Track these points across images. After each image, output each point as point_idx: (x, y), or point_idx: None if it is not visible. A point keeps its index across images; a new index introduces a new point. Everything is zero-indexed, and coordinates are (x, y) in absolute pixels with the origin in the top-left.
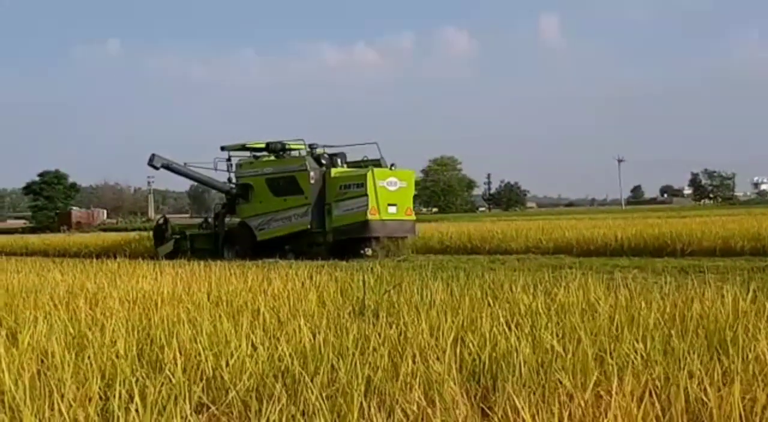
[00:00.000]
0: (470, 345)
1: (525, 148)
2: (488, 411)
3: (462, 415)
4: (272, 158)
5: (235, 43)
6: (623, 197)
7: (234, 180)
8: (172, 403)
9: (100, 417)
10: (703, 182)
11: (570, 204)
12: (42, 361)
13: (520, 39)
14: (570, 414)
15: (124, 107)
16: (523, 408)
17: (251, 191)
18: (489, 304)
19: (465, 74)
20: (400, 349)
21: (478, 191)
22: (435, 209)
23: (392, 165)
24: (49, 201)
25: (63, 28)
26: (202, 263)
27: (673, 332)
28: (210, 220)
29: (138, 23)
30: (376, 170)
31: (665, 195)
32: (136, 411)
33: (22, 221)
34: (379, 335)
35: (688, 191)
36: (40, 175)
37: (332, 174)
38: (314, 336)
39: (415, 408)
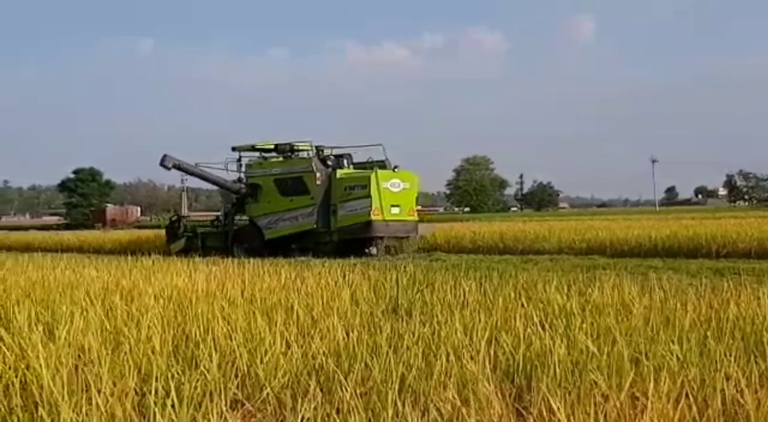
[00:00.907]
0: (504, 344)
1: (558, 148)
2: (523, 411)
3: (496, 415)
4: (280, 158)
5: (264, 43)
6: (657, 197)
7: (244, 180)
8: (208, 399)
9: (137, 412)
10: (738, 183)
11: (603, 205)
12: (79, 356)
13: (552, 37)
14: (605, 415)
15: (158, 105)
16: (558, 408)
17: (260, 190)
18: (522, 304)
19: (497, 73)
20: (433, 348)
21: (510, 191)
22: (467, 209)
23: (395, 167)
24: (84, 198)
25: (97, 26)
26: (236, 261)
27: (708, 333)
28: (221, 218)
29: (169, 22)
30: (379, 171)
31: (700, 196)
32: (172, 406)
33: (57, 217)
34: (413, 333)
35: (723, 192)
36: (75, 172)
37: (337, 175)
38: (348, 334)
39: (449, 407)
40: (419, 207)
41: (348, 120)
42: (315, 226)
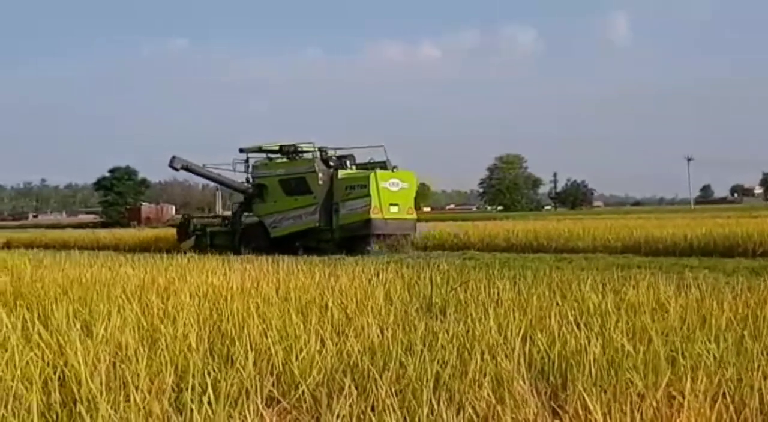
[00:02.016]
0: (539, 343)
1: (592, 146)
2: (558, 409)
3: (532, 413)
4: (285, 160)
5: (300, 42)
6: (692, 196)
7: (251, 180)
8: (244, 396)
9: (174, 409)
10: None
11: (637, 203)
12: (116, 353)
13: (586, 35)
14: (641, 414)
15: (193, 103)
16: (594, 407)
17: (266, 190)
18: (557, 303)
19: (531, 72)
20: (468, 346)
21: (543, 190)
22: (500, 207)
23: (394, 167)
24: (120, 197)
25: (134, 25)
26: (270, 259)
27: (745, 333)
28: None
29: (203, 21)
30: (378, 172)
31: (735, 195)
32: (209, 403)
33: (93, 216)
34: (447, 332)
35: (759, 190)
36: (111, 171)
37: (339, 175)
38: (382, 333)
39: (484, 405)
40: (452, 205)
41: (378, 119)
42: (317, 224)
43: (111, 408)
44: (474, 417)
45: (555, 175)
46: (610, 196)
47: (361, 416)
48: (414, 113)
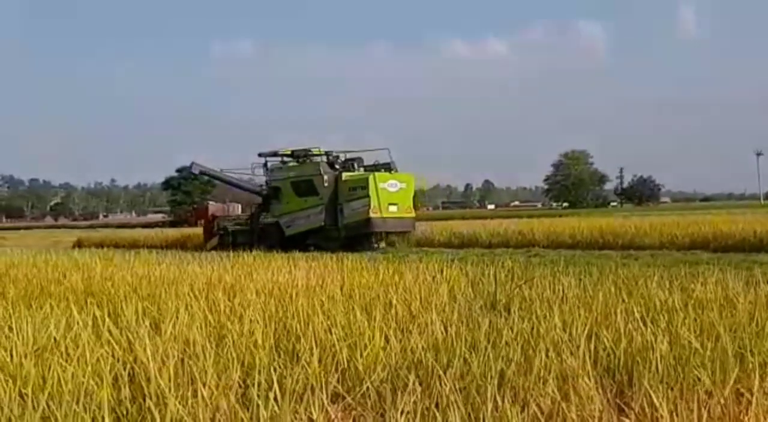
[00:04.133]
0: (604, 340)
1: (659, 141)
2: (624, 407)
3: (597, 410)
4: (296, 163)
5: (365, 37)
6: (762, 191)
7: (268, 183)
8: (309, 392)
9: (241, 405)
10: None
11: (706, 199)
12: (184, 350)
13: (655, 31)
14: (709, 411)
15: (257, 103)
16: (660, 404)
17: (280, 192)
18: (623, 299)
19: (598, 66)
20: (532, 343)
21: (609, 186)
22: (566, 204)
23: (392, 169)
24: (187, 196)
25: (203, 27)
26: (335, 257)
27: None
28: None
29: (270, 22)
30: (377, 174)
31: None
32: (275, 399)
33: (162, 215)
34: (512, 329)
35: None
36: (179, 170)
37: (343, 178)
38: (446, 330)
39: (549, 402)
40: (517, 202)
41: (444, 116)
42: (323, 224)
43: (179, 403)
44: (538, 414)
45: (621, 171)
46: (678, 192)
47: (425, 412)
48: (477, 109)
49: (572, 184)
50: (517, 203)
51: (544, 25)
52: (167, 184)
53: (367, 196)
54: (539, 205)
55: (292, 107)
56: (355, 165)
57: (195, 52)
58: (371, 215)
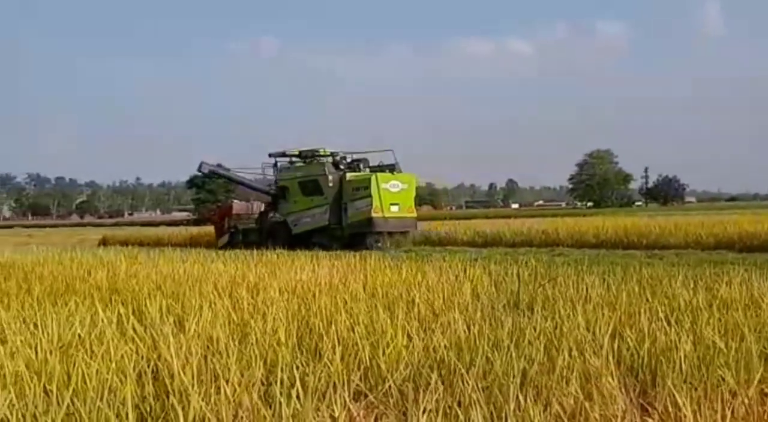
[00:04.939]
0: (628, 339)
1: (685, 141)
2: (647, 406)
3: (620, 410)
4: (303, 163)
5: (386, 40)
6: None
7: (276, 182)
8: (331, 390)
9: (263, 402)
10: None
11: (732, 199)
12: (207, 347)
13: (678, 27)
14: (733, 411)
15: (280, 103)
16: (684, 404)
17: (288, 192)
18: (647, 299)
19: (620, 65)
20: (555, 343)
21: (634, 185)
22: (590, 203)
23: (394, 170)
24: (211, 194)
25: (222, 26)
26: (358, 255)
27: None
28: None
29: (291, 22)
30: (380, 174)
31: None
32: (297, 396)
33: (186, 213)
34: (535, 328)
35: None
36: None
37: (347, 178)
38: (469, 328)
39: (571, 401)
40: (541, 202)
41: (466, 116)
42: (328, 223)
43: (202, 400)
44: (561, 413)
45: (646, 170)
46: (703, 192)
47: (448, 411)
48: (497, 108)
49: (597, 183)
50: (541, 202)
51: (565, 24)
52: (191, 182)
53: (370, 196)
54: (563, 204)
55: (314, 106)
56: (361, 166)
57: (218, 52)
58: (373, 214)
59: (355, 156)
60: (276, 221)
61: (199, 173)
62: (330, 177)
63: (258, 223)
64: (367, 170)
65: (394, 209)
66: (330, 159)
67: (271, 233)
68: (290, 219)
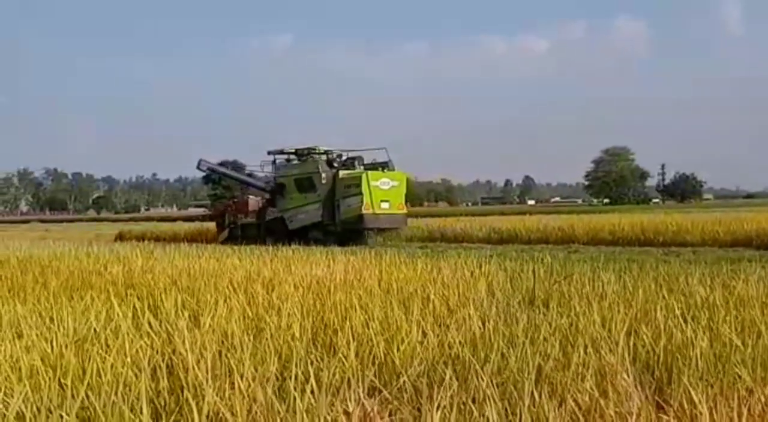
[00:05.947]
0: (644, 337)
1: (702, 138)
2: (663, 403)
3: (636, 407)
4: (299, 161)
5: (401, 37)
6: None
7: (275, 179)
8: (346, 386)
9: (278, 397)
10: None
11: (749, 196)
12: (222, 342)
13: (697, 25)
14: (749, 409)
15: (299, 99)
16: (700, 401)
17: (285, 189)
18: (663, 296)
19: (639, 63)
20: (571, 339)
21: (651, 182)
22: (606, 200)
23: (385, 168)
24: (227, 190)
25: (239, 24)
26: (373, 251)
27: None
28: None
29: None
30: (370, 172)
31: None
32: (312, 392)
33: (202, 209)
34: (550, 325)
35: None
36: (221, 164)
37: (339, 175)
38: (484, 325)
39: (586, 398)
40: (557, 199)
41: (483, 113)
42: (321, 219)
43: (216, 395)
44: (576, 410)
45: (663, 167)
46: (721, 189)
47: (462, 407)
48: (512, 104)
49: (613, 180)
50: (557, 199)
51: (584, 23)
52: (207, 178)
53: (361, 193)
54: (579, 201)
55: (328, 105)
56: (356, 163)
57: (235, 49)
58: (364, 211)
59: (350, 154)
60: (273, 217)
61: (202, 171)
62: (323, 175)
63: (257, 219)
64: (362, 167)
65: (385, 206)
66: (324, 157)
67: (269, 229)
68: (287, 215)
